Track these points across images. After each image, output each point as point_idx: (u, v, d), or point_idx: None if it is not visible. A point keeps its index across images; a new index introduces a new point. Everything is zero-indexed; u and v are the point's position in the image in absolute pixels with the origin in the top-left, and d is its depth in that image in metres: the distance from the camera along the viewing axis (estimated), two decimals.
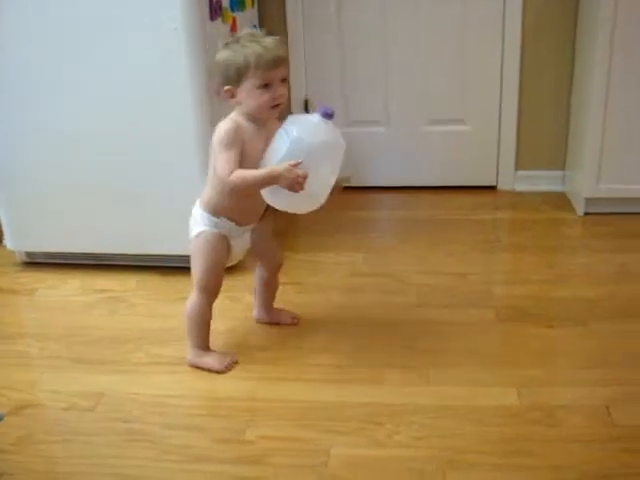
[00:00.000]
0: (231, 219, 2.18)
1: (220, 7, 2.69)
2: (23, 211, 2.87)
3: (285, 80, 2.07)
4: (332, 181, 2.07)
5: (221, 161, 2.04)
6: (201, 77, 2.56)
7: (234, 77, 2.03)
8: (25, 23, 2.56)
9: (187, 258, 2.79)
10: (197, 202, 2.23)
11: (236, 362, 2.30)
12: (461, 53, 3.47)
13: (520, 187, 3.64)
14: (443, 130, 3.60)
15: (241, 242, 2.27)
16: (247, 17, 3.09)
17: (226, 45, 2.06)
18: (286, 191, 1.98)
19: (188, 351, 2.30)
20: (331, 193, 2.11)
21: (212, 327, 2.40)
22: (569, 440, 1.92)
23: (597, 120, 3.13)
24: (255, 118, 2.09)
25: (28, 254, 2.98)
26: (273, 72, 2.01)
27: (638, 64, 3.03)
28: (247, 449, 1.92)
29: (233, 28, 2.84)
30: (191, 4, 2.48)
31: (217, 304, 2.61)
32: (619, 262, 2.88)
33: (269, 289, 2.48)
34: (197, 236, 2.20)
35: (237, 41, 2.05)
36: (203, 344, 2.30)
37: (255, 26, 3.22)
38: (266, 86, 2.02)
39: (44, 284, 2.85)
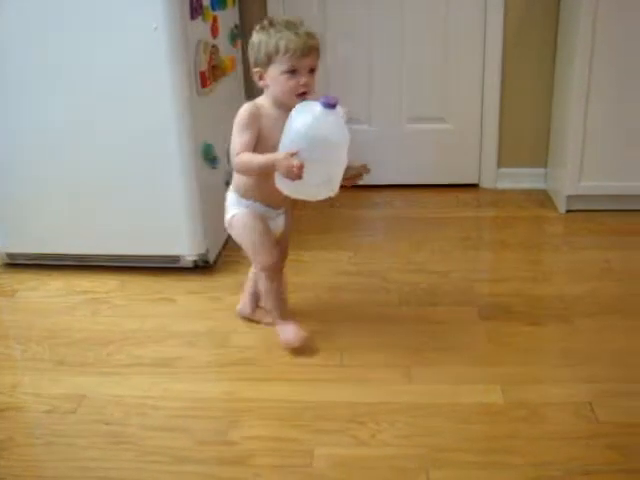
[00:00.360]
0: (261, 201, 2.22)
1: (201, 6, 2.67)
2: (3, 212, 2.84)
3: (313, 71, 2.09)
4: (339, 172, 2.05)
5: (233, 142, 2.11)
6: (182, 76, 2.55)
7: (264, 60, 2.07)
8: (12, 25, 2.54)
9: (168, 258, 2.80)
10: (231, 185, 2.28)
11: (307, 337, 2.33)
12: (443, 51, 3.46)
13: (502, 185, 3.65)
14: (425, 128, 3.59)
15: (274, 225, 2.30)
16: (228, 16, 3.07)
17: (261, 28, 2.09)
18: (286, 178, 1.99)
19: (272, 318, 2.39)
20: (349, 182, 2.13)
21: (192, 328, 2.46)
22: (553, 437, 1.92)
23: (578, 118, 3.14)
24: (281, 103, 2.11)
25: (9, 255, 2.95)
26: (302, 60, 2.05)
27: (619, 61, 3.04)
28: (230, 450, 1.91)
29: (214, 27, 2.82)
30: (171, 3, 2.46)
31: (197, 304, 2.61)
32: (602, 259, 2.89)
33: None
34: (231, 219, 2.26)
35: (273, 25, 2.08)
36: (277, 315, 2.35)
37: (237, 26, 3.21)
38: (293, 72, 2.05)
39: (25, 285, 2.82)
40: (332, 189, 2.06)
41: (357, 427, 1.97)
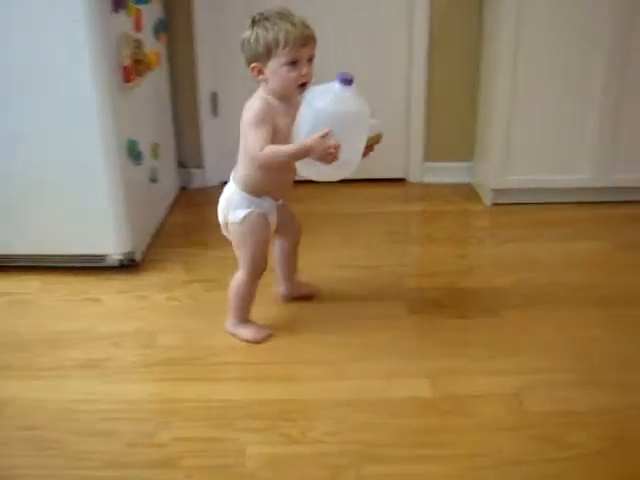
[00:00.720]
0: (271, 196, 2.24)
1: None
2: None
3: (311, 60, 2.10)
4: (362, 145, 2.08)
5: (252, 138, 2.07)
6: (104, 71, 2.49)
7: (263, 54, 2.06)
8: None
9: (93, 257, 2.74)
10: (232, 184, 2.25)
11: (271, 335, 2.36)
12: (368, 45, 3.47)
13: (429, 179, 3.67)
14: None
15: (272, 220, 2.29)
16: (152, 9, 3.02)
17: (254, 22, 2.09)
18: (319, 162, 2.00)
19: (227, 321, 2.37)
20: (364, 154, 2.14)
21: (118, 328, 2.41)
22: (482, 429, 1.94)
23: (503, 112, 3.18)
24: (281, 96, 2.11)
25: None
26: (301, 50, 2.05)
27: (543, 56, 3.10)
28: (159, 452, 1.87)
29: (138, 21, 2.77)
30: None
31: (123, 304, 2.56)
32: (527, 251, 2.94)
33: (292, 261, 2.51)
34: (242, 220, 2.22)
35: (267, 18, 2.07)
36: (243, 317, 2.36)
37: (161, 19, 3.16)
38: (293, 64, 2.06)
39: None
40: (354, 166, 2.10)
41: (288, 425, 1.95)
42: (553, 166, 3.28)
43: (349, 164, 2.08)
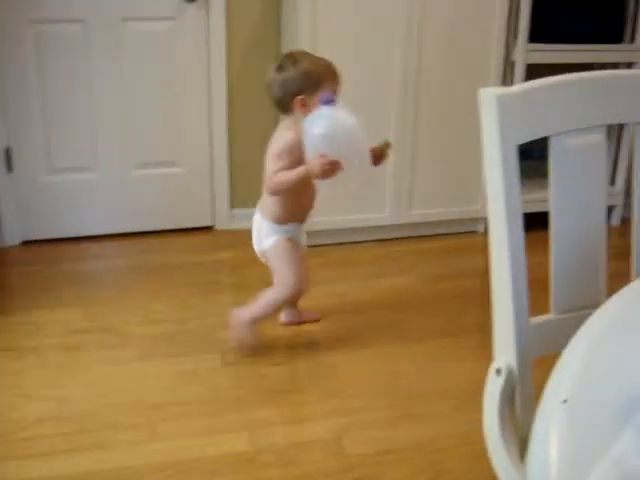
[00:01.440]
0: (295, 220, 2.47)
1: None
2: None
3: None
4: (364, 151, 2.24)
5: (268, 169, 2.34)
6: None
7: (313, 85, 2.26)
8: None
9: None
10: (258, 216, 2.50)
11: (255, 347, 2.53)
12: (168, 95, 3.43)
13: (237, 225, 3.65)
14: (154, 173, 3.53)
15: (302, 239, 2.55)
16: None
17: (296, 60, 2.30)
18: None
19: (243, 313, 2.49)
20: (378, 161, 2.35)
21: None
22: (304, 477, 1.94)
23: None
24: None
25: None
26: (337, 83, 2.30)
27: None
28: None
29: None
30: None
31: None
32: (336, 292, 2.99)
33: None
34: (272, 246, 2.45)
35: (305, 55, 2.35)
36: (258, 322, 2.50)
37: None
38: None
39: None
40: (365, 170, 2.26)
41: None
42: (355, 206, 3.36)
43: (358, 172, 2.24)
